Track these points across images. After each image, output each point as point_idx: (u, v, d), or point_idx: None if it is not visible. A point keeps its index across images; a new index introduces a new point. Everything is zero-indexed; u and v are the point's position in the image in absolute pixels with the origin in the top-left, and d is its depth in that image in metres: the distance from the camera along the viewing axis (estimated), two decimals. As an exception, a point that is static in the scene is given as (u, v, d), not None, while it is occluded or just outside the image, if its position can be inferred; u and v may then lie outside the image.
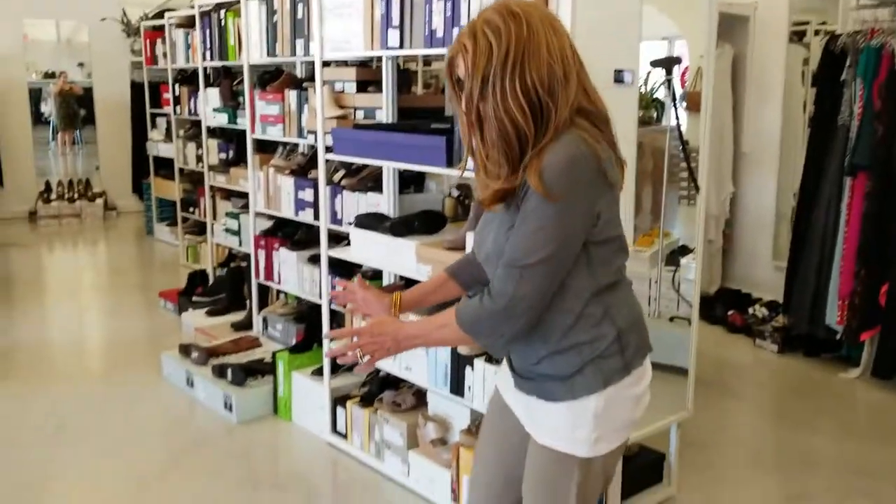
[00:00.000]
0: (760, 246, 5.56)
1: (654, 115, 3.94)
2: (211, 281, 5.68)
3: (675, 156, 3.95)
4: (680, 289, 3.98)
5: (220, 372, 4.01)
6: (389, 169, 3.43)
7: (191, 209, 6.87)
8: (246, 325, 4.77)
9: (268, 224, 4.62)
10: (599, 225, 1.62)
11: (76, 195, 9.13)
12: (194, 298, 5.41)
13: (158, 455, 3.48)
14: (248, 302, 4.83)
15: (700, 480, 3.26)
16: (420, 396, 3.30)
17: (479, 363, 2.81)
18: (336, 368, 3.64)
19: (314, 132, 3.73)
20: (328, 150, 3.41)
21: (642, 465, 3.06)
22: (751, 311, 5.15)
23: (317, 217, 3.84)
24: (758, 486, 3.26)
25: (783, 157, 5.41)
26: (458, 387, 2.91)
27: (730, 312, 5.19)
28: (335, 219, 3.70)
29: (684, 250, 4.15)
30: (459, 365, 2.88)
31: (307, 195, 4.05)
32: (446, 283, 1.96)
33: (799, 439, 3.66)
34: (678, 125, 3.78)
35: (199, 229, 6.89)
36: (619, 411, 1.70)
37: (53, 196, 9.04)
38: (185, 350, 4.27)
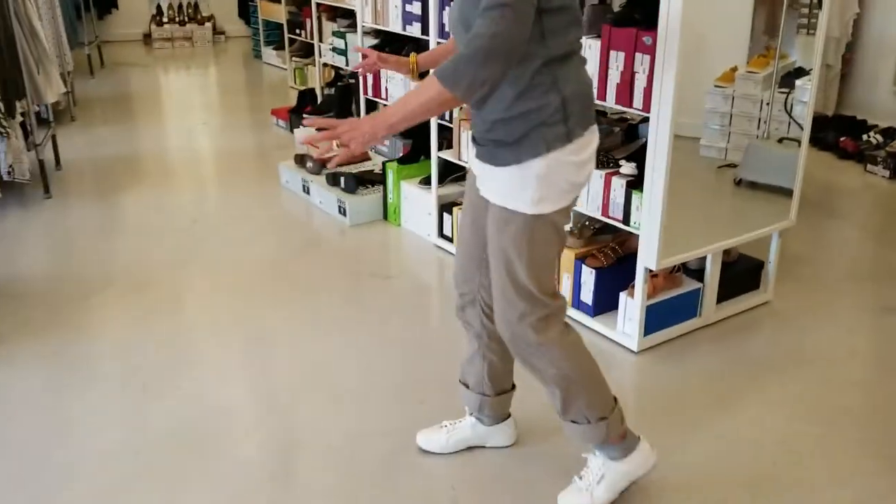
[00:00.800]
0: (881, 71, 5.29)
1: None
2: (319, 100, 5.86)
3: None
4: (792, 111, 3.89)
5: (333, 180, 4.25)
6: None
7: (297, 31, 6.97)
8: (355, 140, 4.96)
9: (374, 41, 4.69)
10: None
11: (186, 19, 9.34)
12: (304, 116, 5.62)
13: (281, 248, 3.79)
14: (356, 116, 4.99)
15: (796, 289, 3.34)
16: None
17: (585, 166, 2.90)
18: (443, 178, 3.80)
19: (424, -61, 3.69)
20: (439, -45, 3.39)
21: (741, 272, 3.16)
22: (865, 137, 4.98)
23: (424, 31, 3.87)
24: (853, 296, 3.32)
25: (919, -27, 5.03)
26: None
27: (842, 139, 5.04)
28: (443, 32, 3.73)
29: (800, 72, 4.02)
30: (565, 168, 2.98)
31: (415, 8, 4.07)
32: (448, 51, 2.10)
33: (902, 259, 3.66)
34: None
35: (306, 51, 7.02)
36: (562, 175, 1.84)
37: (165, 19, 9.27)
38: (301, 160, 4.51)
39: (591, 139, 1.89)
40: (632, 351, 2.87)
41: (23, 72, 4.19)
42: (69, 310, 3.19)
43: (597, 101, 2.78)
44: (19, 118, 4.07)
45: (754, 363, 2.82)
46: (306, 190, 4.39)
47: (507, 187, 1.86)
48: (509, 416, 2.36)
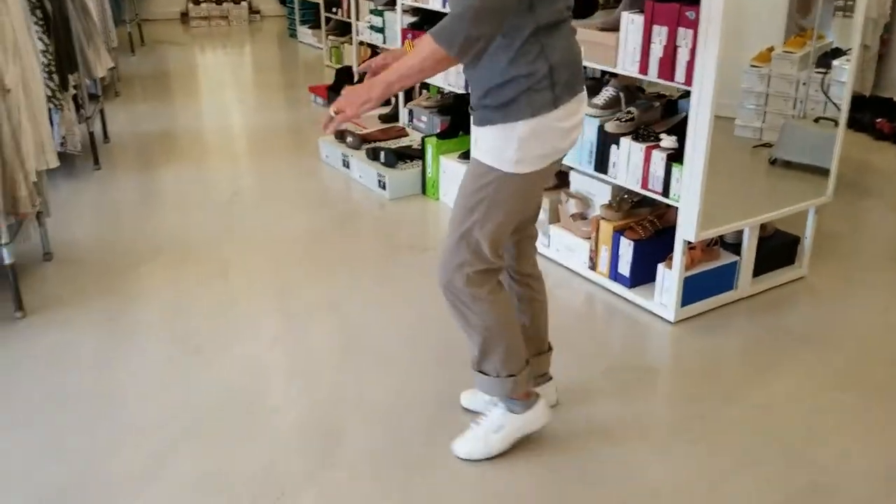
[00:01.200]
0: (921, 51, 5.26)
1: None
2: (356, 78, 5.94)
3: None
4: (829, 91, 3.91)
5: (373, 155, 4.34)
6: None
7: (333, 10, 7.04)
8: (392, 117, 5.06)
9: (413, 19, 4.75)
10: None
11: (222, -2, 9.46)
12: (342, 93, 5.70)
13: (322, 220, 3.89)
14: (393, 96, 5.07)
15: (831, 266, 3.38)
16: (561, 177, 3.50)
17: (626, 141, 2.96)
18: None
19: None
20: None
21: (776, 246, 3.21)
22: (902, 118, 4.98)
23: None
24: (888, 274, 3.35)
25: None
26: (602, 164, 3.09)
27: (878, 120, 5.04)
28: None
29: (836, 53, 4.02)
30: (605, 144, 3.04)
31: (456, -15, 4.12)
32: None
33: (938, 238, 3.68)
34: None
35: (342, 30, 7.10)
36: (546, 139, 1.93)
37: (201, -2, 9.40)
38: (341, 136, 4.60)
39: (577, 107, 1.98)
40: (668, 321, 2.93)
41: (75, 46, 4.31)
42: (121, 278, 3.32)
43: (639, 76, 2.85)
44: (72, 91, 4.20)
45: (789, 336, 2.87)
46: (346, 164, 4.49)
47: (490, 145, 1.96)
48: (548, 377, 2.44)
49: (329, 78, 6.30)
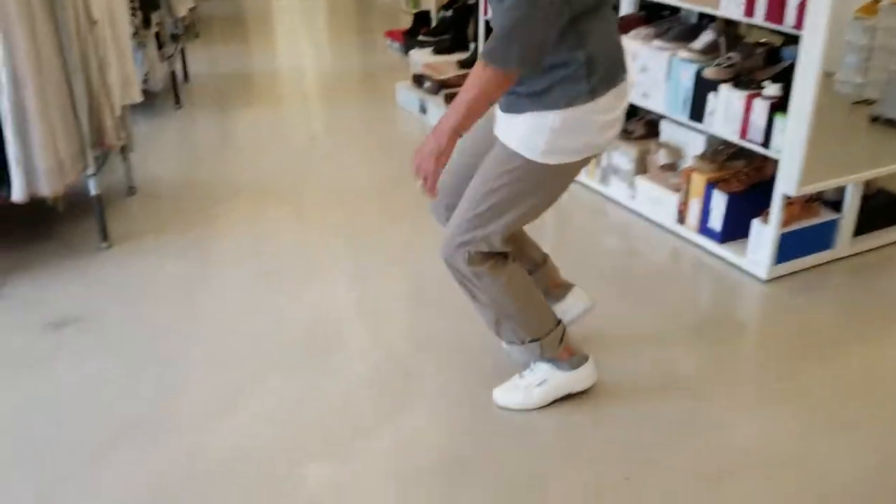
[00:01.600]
0: None
1: None
2: (434, 23, 5.82)
3: None
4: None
5: (451, 100, 4.24)
6: None
7: (411, -47, 6.91)
8: (470, 63, 4.93)
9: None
10: None
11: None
12: (419, 38, 5.61)
13: (397, 167, 3.83)
14: (472, 42, 4.95)
15: (937, 229, 3.19)
16: (649, 126, 3.37)
17: (725, 88, 2.81)
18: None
19: None
20: None
21: (880, 206, 3.03)
22: None
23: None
24: None
25: None
26: (697, 113, 2.95)
27: None
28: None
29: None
30: (702, 91, 2.90)
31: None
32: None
33: None
34: None
35: (419, -26, 6.95)
36: (579, 133, 1.80)
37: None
38: (418, 80, 4.52)
39: (616, 102, 1.84)
40: (760, 279, 2.81)
41: (157, -16, 4.31)
42: (202, 214, 3.33)
43: (745, 19, 2.68)
44: (154, 29, 4.20)
45: (891, 300, 2.72)
46: (423, 110, 4.41)
47: (521, 133, 1.83)
48: (569, 285, 2.34)
49: (406, 23, 6.19)
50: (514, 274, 2.04)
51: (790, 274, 2.84)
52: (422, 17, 5.87)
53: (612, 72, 1.82)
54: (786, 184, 2.64)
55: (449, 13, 5.60)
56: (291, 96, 4.91)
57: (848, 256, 2.96)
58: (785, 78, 2.63)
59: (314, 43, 6.24)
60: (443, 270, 2.05)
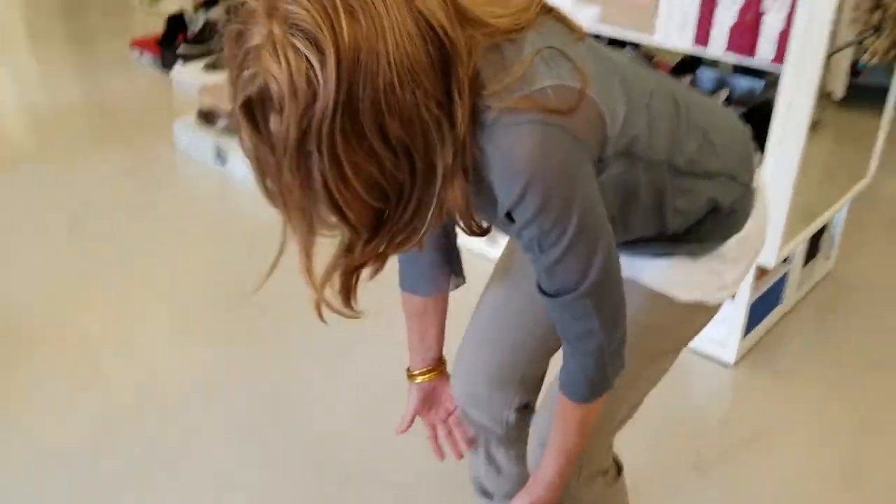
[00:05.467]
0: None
1: None
2: (196, 26, 4.68)
3: None
4: None
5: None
6: None
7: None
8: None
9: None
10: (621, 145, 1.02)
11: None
12: (180, 50, 4.49)
13: (219, 253, 2.86)
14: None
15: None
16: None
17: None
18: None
19: None
20: None
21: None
22: None
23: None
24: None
25: None
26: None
27: None
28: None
29: None
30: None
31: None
32: (424, 310, 1.41)
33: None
34: None
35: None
36: (755, 241, 1.28)
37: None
38: (207, 118, 3.49)
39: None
40: (724, 364, 2.30)
41: None
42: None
43: (694, 49, 2.07)
44: None
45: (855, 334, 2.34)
46: (221, 158, 3.40)
47: (689, 275, 1.22)
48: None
49: (145, 26, 4.97)
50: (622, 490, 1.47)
51: (754, 345, 2.37)
52: (176, 20, 4.71)
53: (745, 155, 1.24)
54: (764, 256, 2.11)
55: (212, 12, 4.55)
56: (19, 156, 3.63)
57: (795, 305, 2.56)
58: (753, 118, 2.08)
59: (6, 64, 4.78)
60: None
